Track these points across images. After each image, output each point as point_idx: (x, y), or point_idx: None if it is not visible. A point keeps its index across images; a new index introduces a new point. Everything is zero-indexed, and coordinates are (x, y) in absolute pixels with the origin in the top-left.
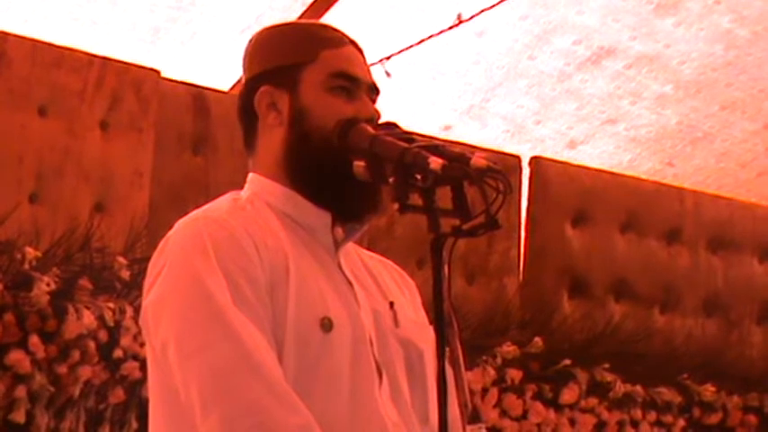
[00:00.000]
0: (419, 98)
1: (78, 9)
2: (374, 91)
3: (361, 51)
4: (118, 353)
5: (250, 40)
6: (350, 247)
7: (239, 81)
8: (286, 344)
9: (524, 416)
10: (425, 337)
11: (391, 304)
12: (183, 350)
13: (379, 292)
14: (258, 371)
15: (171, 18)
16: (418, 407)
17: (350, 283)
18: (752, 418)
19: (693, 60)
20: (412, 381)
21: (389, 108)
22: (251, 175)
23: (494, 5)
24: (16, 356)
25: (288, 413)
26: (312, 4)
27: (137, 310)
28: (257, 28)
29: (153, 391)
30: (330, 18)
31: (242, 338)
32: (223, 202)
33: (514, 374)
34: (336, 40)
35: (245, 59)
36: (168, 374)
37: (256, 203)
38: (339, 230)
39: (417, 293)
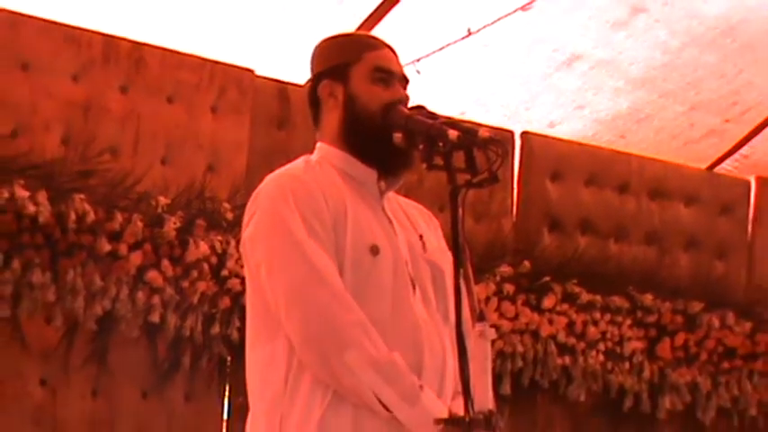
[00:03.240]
0: (441, 90)
1: (197, 34)
2: (405, 81)
3: (395, 52)
4: (224, 272)
5: (315, 47)
6: (391, 195)
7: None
8: (345, 264)
9: (516, 317)
10: (446, 260)
11: (420, 236)
12: (271, 269)
13: (411, 227)
14: (325, 282)
15: (263, 38)
16: (441, 309)
17: (390, 221)
18: (679, 318)
19: (639, 63)
20: (436, 291)
21: (420, 96)
22: (318, 144)
23: (494, 22)
24: (152, 275)
25: (347, 313)
26: (365, 22)
27: (238, 242)
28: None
29: (250, 299)
30: (378, 30)
31: (313, 261)
32: (299, 163)
33: (509, 287)
34: (376, 44)
35: (311, 62)
36: (261, 288)
37: (323, 164)
38: (383, 183)
39: (440, 228)
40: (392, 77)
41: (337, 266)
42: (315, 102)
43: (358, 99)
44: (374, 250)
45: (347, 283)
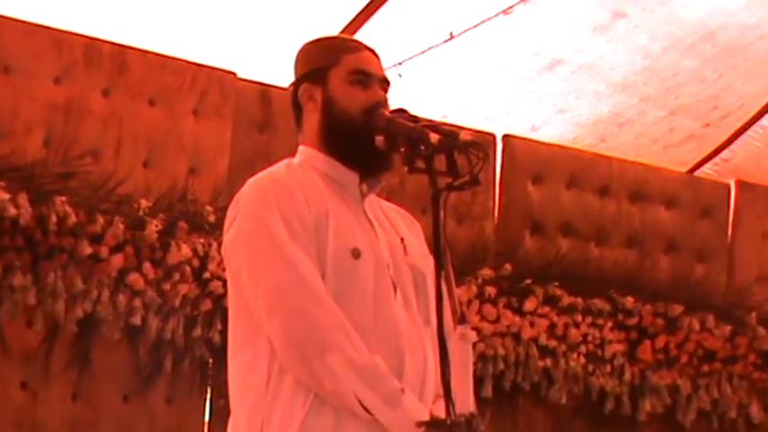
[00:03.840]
0: (423, 93)
1: (179, 37)
2: (385, 82)
3: (376, 55)
4: (207, 275)
5: (297, 52)
6: (373, 198)
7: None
8: (327, 267)
9: (498, 320)
10: (427, 263)
11: (402, 239)
12: (252, 273)
13: (393, 231)
14: (306, 286)
15: (245, 40)
16: (422, 312)
17: (372, 224)
18: (659, 321)
19: (620, 67)
20: (418, 294)
21: (402, 100)
22: (300, 147)
23: (476, 26)
24: (134, 277)
25: (328, 316)
26: (348, 25)
27: (220, 244)
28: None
29: (232, 302)
30: (361, 34)
31: (295, 263)
32: (281, 166)
33: (491, 290)
34: (355, 47)
35: (294, 66)
36: (242, 292)
37: (304, 167)
38: (364, 186)
39: (421, 232)
40: (370, 79)
41: (319, 270)
42: (296, 105)
43: (336, 101)
44: (356, 253)
45: (329, 287)
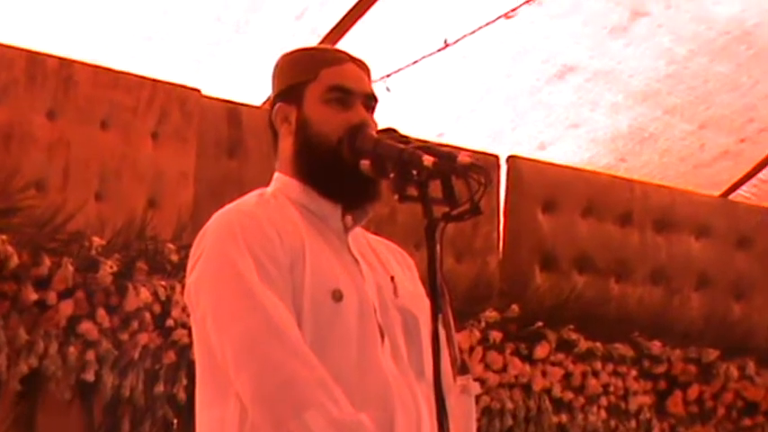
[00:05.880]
0: (416, 109)
1: (135, 50)
2: (371, 99)
3: (362, 68)
4: (169, 322)
5: (274, 66)
6: (358, 231)
7: (268, 98)
8: (304, 312)
9: (504, 369)
10: (421, 306)
11: (392, 278)
12: (218, 321)
13: (381, 269)
14: (281, 335)
15: (210, 53)
16: (414, 363)
17: (356, 262)
18: (692, 368)
19: (640, 74)
20: (408, 342)
21: (391, 117)
22: (276, 175)
23: (474, 32)
24: (86, 326)
25: (305, 368)
26: (326, 35)
27: (184, 287)
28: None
29: (198, 354)
30: (342, 44)
31: (267, 309)
32: (251, 197)
33: (496, 335)
34: (336, 59)
35: (271, 82)
36: (208, 342)
37: (279, 197)
38: (348, 218)
39: (415, 269)
40: (351, 97)
41: (294, 315)
42: (271, 127)
43: (309, 123)
44: (336, 296)
45: (306, 335)
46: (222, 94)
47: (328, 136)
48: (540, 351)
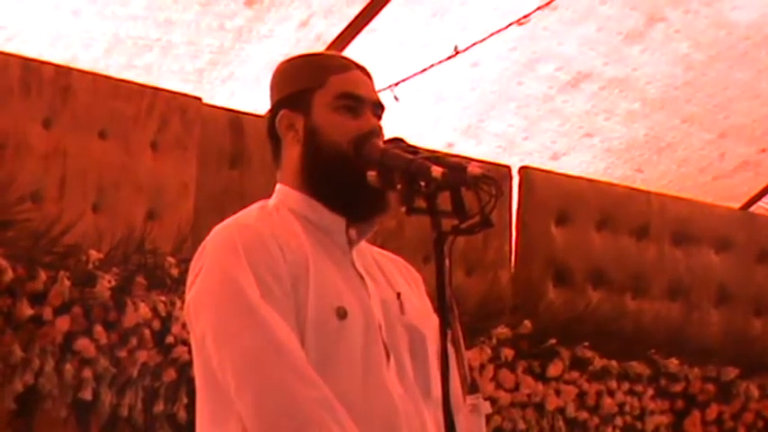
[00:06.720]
0: (424, 119)
1: (135, 58)
2: (379, 107)
3: (367, 75)
4: (170, 339)
5: (274, 72)
6: (363, 245)
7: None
8: (307, 330)
9: (516, 388)
10: (428, 323)
11: (398, 295)
12: (218, 339)
13: (387, 285)
14: (283, 354)
15: (212, 61)
16: (420, 383)
17: (362, 277)
18: (710, 387)
19: (657, 81)
20: (415, 360)
21: (399, 127)
22: (278, 186)
23: (485, 39)
24: (83, 343)
25: (309, 388)
26: (332, 43)
27: (184, 303)
28: None
29: (197, 372)
30: (349, 51)
31: (269, 327)
32: (253, 209)
33: (507, 352)
34: (343, 66)
35: (270, 89)
36: (209, 359)
37: (281, 210)
38: (353, 231)
39: (423, 285)
40: (362, 104)
41: (297, 334)
42: (274, 136)
43: (320, 131)
44: (341, 313)
45: (309, 354)
46: (224, 103)
47: (340, 144)
48: (554, 369)
